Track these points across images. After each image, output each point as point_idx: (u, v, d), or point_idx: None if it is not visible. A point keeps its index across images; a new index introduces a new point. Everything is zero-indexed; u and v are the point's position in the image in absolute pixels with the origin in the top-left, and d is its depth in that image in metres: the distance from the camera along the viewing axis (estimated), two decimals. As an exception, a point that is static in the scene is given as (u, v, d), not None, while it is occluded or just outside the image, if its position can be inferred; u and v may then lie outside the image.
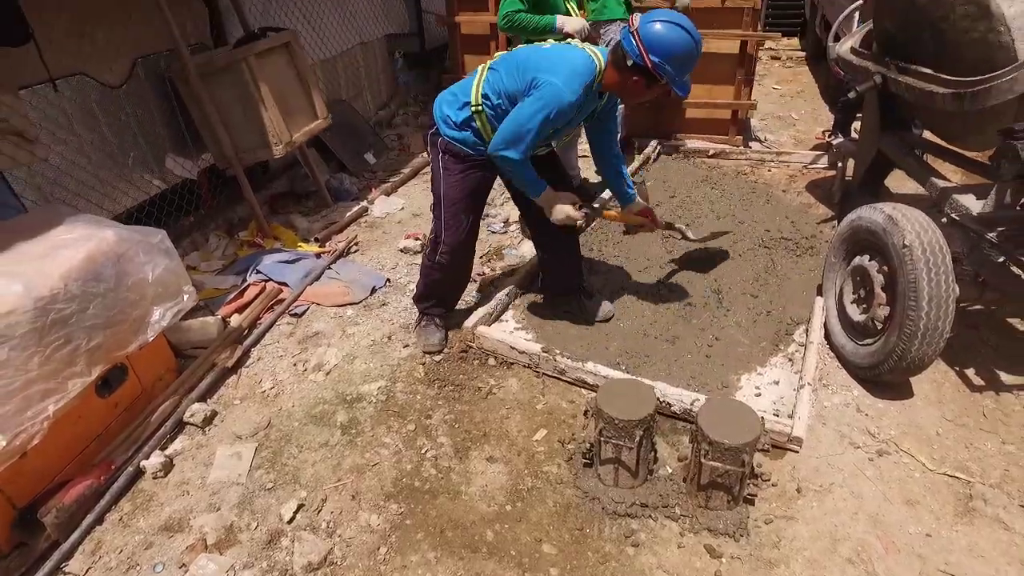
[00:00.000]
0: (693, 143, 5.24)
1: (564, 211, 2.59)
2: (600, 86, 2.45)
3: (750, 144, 5.41)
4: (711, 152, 5.09)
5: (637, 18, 2.30)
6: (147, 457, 2.42)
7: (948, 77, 2.76)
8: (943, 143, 3.31)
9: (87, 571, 2.08)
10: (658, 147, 5.11)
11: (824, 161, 4.80)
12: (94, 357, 2.32)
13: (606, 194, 3.95)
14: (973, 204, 2.72)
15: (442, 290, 2.97)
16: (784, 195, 4.44)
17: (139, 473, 2.39)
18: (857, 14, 4.03)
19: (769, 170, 4.91)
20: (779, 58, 8.43)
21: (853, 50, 3.61)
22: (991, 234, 2.52)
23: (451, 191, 2.65)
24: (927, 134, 3.51)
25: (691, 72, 2.37)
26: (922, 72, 2.92)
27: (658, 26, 2.25)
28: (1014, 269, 2.65)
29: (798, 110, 6.42)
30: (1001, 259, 2.60)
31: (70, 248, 2.35)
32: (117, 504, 2.29)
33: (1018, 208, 2.39)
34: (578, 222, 2.65)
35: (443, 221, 2.72)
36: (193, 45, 3.94)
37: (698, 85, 5.24)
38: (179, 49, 3.51)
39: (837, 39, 3.97)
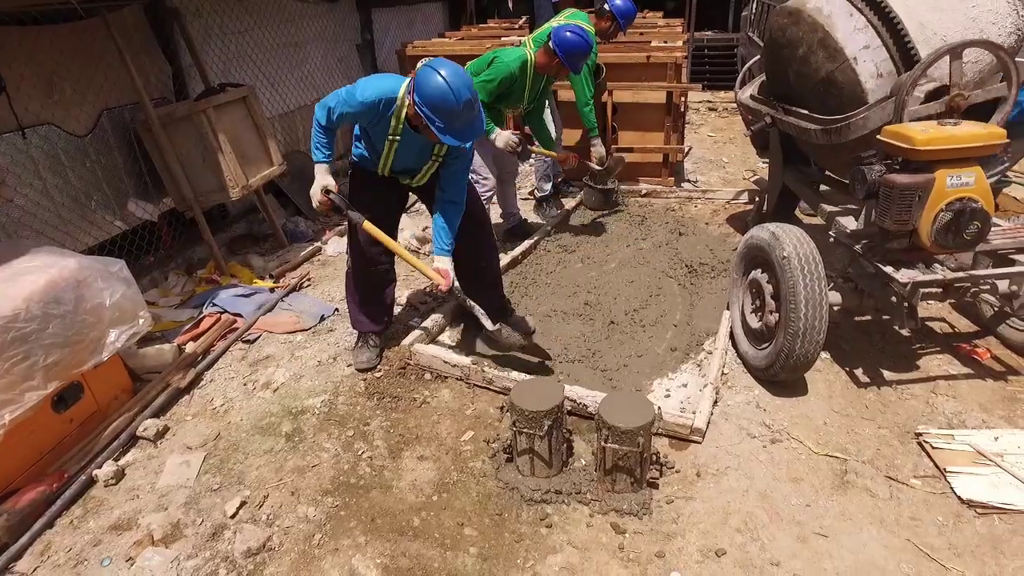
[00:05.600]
0: (627, 184, 5.66)
1: (316, 189, 2.90)
2: (406, 113, 2.70)
3: (682, 184, 5.86)
4: (643, 192, 5.52)
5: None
6: (99, 467, 2.58)
7: (818, 116, 3.20)
8: (830, 174, 3.76)
9: (35, 570, 2.23)
10: (595, 188, 5.51)
11: (745, 196, 5.24)
12: (51, 373, 2.52)
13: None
14: (850, 223, 3.13)
15: (356, 294, 3.19)
16: (707, 227, 4.86)
17: (91, 482, 2.55)
18: (758, 66, 4.54)
19: (696, 206, 5.34)
20: (715, 109, 9.09)
21: (752, 96, 4.08)
22: (857, 247, 2.90)
23: (355, 197, 3.05)
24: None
25: (462, 127, 2.52)
26: (800, 112, 3.37)
27: (433, 73, 2.45)
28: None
29: (729, 154, 6.96)
30: (872, 270, 2.97)
31: (33, 274, 2.58)
32: (68, 510, 2.45)
33: (873, 222, 2.76)
34: (318, 206, 2.95)
35: (349, 225, 3.07)
36: (156, 99, 4.25)
37: (632, 132, 5.74)
38: (143, 102, 3.83)
39: (743, 85, 4.46)
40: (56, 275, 2.62)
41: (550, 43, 3.88)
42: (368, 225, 2.90)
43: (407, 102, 2.64)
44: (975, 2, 2.86)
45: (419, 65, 2.55)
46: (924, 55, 2.79)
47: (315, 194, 2.92)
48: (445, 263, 2.94)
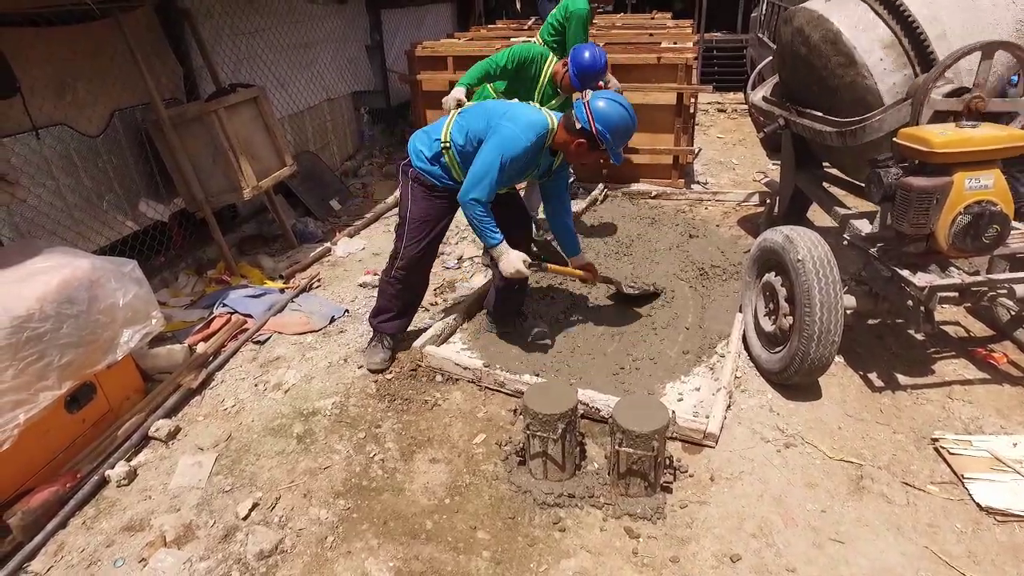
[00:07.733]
0: (638, 186, 5.65)
1: (514, 266, 2.84)
2: (552, 143, 2.86)
3: (692, 186, 5.83)
4: (653, 193, 5.50)
5: (589, 93, 2.79)
6: (112, 467, 2.58)
7: (833, 118, 3.18)
8: (842, 176, 3.73)
9: (48, 570, 2.23)
10: (605, 189, 5.51)
11: (755, 199, 5.22)
12: (65, 373, 2.52)
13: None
14: (865, 226, 3.10)
15: (395, 305, 3.20)
16: (717, 229, 4.83)
17: (104, 482, 2.55)
18: (770, 68, 4.51)
19: (706, 208, 5.32)
20: (724, 110, 9.06)
21: (764, 98, 4.06)
22: (873, 249, 2.87)
23: (415, 214, 3.02)
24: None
25: (624, 145, 2.85)
26: (814, 115, 3.35)
27: (604, 103, 2.73)
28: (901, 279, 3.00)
29: (738, 156, 6.92)
30: (888, 274, 2.95)
31: (47, 274, 2.59)
32: (81, 510, 2.44)
33: (889, 225, 2.74)
34: (526, 276, 2.94)
35: (404, 239, 3.06)
36: (168, 99, 4.26)
37: (642, 134, 5.71)
38: (154, 102, 3.83)
39: (754, 87, 4.44)
40: (69, 275, 2.63)
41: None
42: (553, 266, 3.21)
43: (556, 129, 2.83)
44: (993, 4, 2.84)
45: (586, 95, 2.75)
46: (941, 57, 2.76)
47: (522, 270, 2.85)
48: (586, 258, 3.37)
